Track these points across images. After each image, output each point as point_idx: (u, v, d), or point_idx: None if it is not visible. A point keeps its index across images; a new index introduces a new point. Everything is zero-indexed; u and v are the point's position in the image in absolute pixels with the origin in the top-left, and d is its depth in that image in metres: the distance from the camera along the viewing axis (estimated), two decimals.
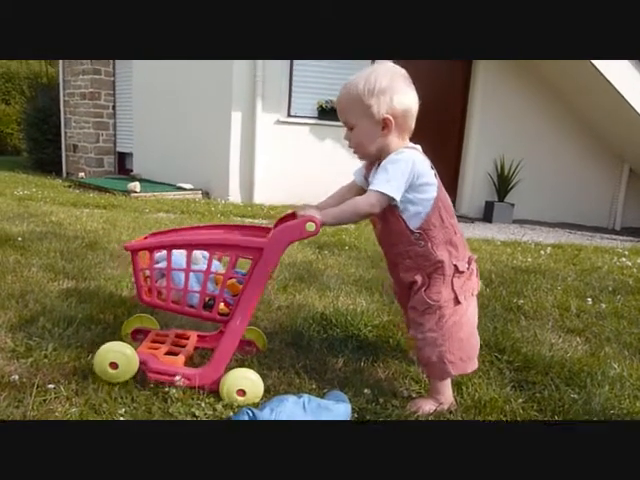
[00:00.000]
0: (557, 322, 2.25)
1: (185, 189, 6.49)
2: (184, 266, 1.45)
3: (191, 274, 1.47)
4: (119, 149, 8.84)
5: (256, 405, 1.38)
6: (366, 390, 1.52)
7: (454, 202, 6.82)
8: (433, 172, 1.41)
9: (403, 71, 1.40)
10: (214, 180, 6.43)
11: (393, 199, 1.33)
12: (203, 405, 1.36)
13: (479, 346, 1.52)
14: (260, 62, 5.82)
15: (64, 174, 9.13)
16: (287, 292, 2.42)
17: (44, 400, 1.33)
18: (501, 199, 6.51)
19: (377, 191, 1.32)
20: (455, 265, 1.41)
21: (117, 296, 2.15)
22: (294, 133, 6.20)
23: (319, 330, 1.95)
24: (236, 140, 6.08)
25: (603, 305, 2.51)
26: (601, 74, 5.43)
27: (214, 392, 1.44)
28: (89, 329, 1.79)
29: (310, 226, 1.31)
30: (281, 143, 6.16)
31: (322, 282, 2.59)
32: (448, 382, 1.47)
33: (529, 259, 3.66)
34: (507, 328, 2.09)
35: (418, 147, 1.45)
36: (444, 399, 1.46)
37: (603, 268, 3.46)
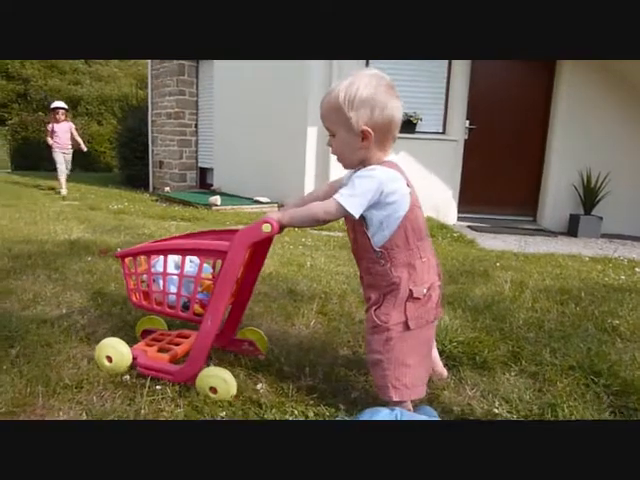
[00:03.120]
0: None
1: (262, 202, 6.73)
2: (170, 271, 1.60)
3: (176, 278, 1.59)
4: (201, 165, 9.35)
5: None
6: (455, 408, 1.51)
7: (535, 214, 6.55)
8: (409, 190, 1.35)
9: (387, 79, 1.35)
10: (290, 194, 6.60)
11: (351, 214, 1.30)
12: (296, 412, 1.42)
13: (428, 375, 1.46)
14: (335, 77, 5.94)
15: (151, 189, 9.79)
16: None
17: (153, 400, 1.45)
18: (587, 212, 6.13)
19: (338, 202, 1.31)
20: (410, 290, 1.35)
21: None
22: None
23: None
24: (311, 154, 6.23)
25: None
26: None
27: (304, 400, 1.49)
28: None
29: (266, 227, 1.37)
30: None
31: None
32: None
33: (622, 277, 3.42)
34: (602, 350, 1.98)
35: (397, 162, 1.40)
36: None
37: None
